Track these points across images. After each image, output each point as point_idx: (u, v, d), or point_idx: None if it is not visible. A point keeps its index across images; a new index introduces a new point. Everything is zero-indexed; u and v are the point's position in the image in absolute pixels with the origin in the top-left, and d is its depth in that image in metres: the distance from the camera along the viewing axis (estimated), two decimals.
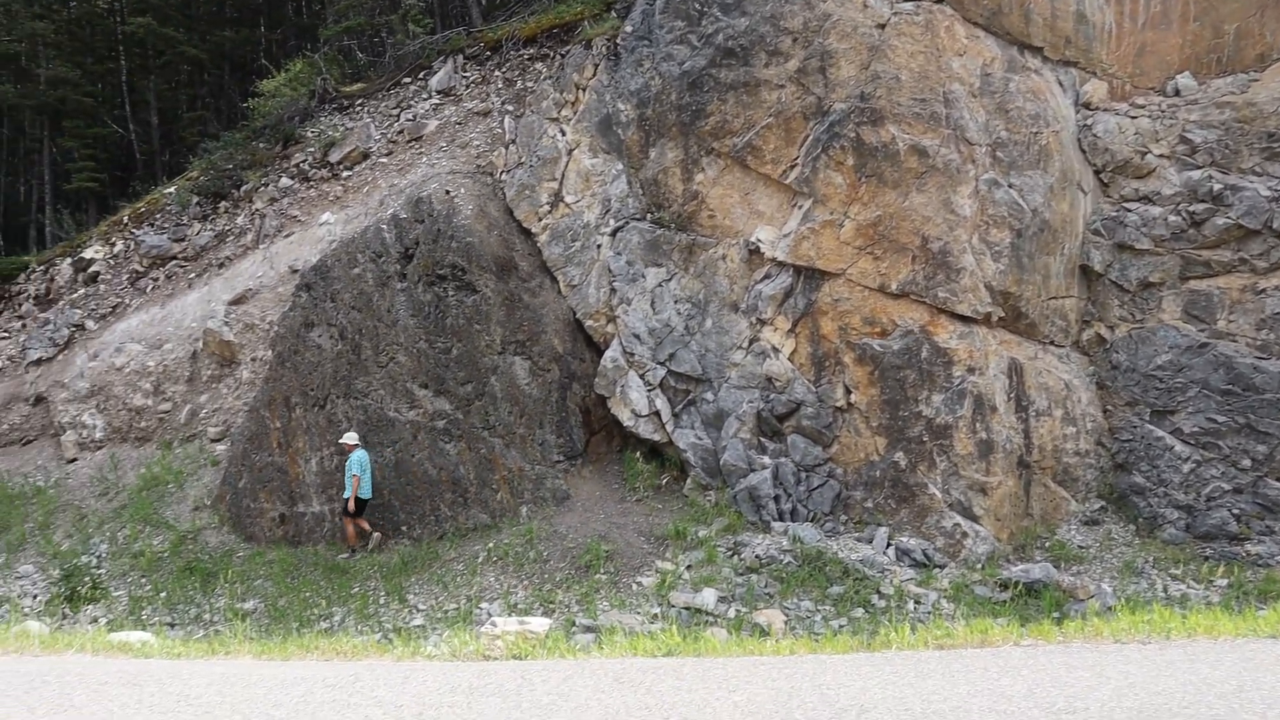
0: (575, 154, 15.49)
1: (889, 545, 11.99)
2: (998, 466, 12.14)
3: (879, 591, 11.05)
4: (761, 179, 13.73)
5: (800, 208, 13.31)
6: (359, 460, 13.03)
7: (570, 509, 12.61)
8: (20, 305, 21.76)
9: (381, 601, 11.41)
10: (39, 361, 19.36)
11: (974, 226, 12.55)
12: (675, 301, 13.95)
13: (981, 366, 12.31)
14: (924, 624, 8.89)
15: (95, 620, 12.29)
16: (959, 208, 12.51)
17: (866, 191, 12.88)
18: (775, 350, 13.29)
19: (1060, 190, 13.09)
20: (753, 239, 13.59)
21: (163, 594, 12.71)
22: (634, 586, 10.82)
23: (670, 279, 14.08)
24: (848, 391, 12.79)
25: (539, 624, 7.68)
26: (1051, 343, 13.35)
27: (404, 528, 13.04)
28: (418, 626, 10.49)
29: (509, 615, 10.57)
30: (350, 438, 13.23)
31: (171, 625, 11.75)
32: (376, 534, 13.20)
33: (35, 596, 13.45)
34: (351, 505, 12.87)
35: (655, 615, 10.23)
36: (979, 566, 11.57)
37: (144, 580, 13.21)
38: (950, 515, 11.99)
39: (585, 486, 13.18)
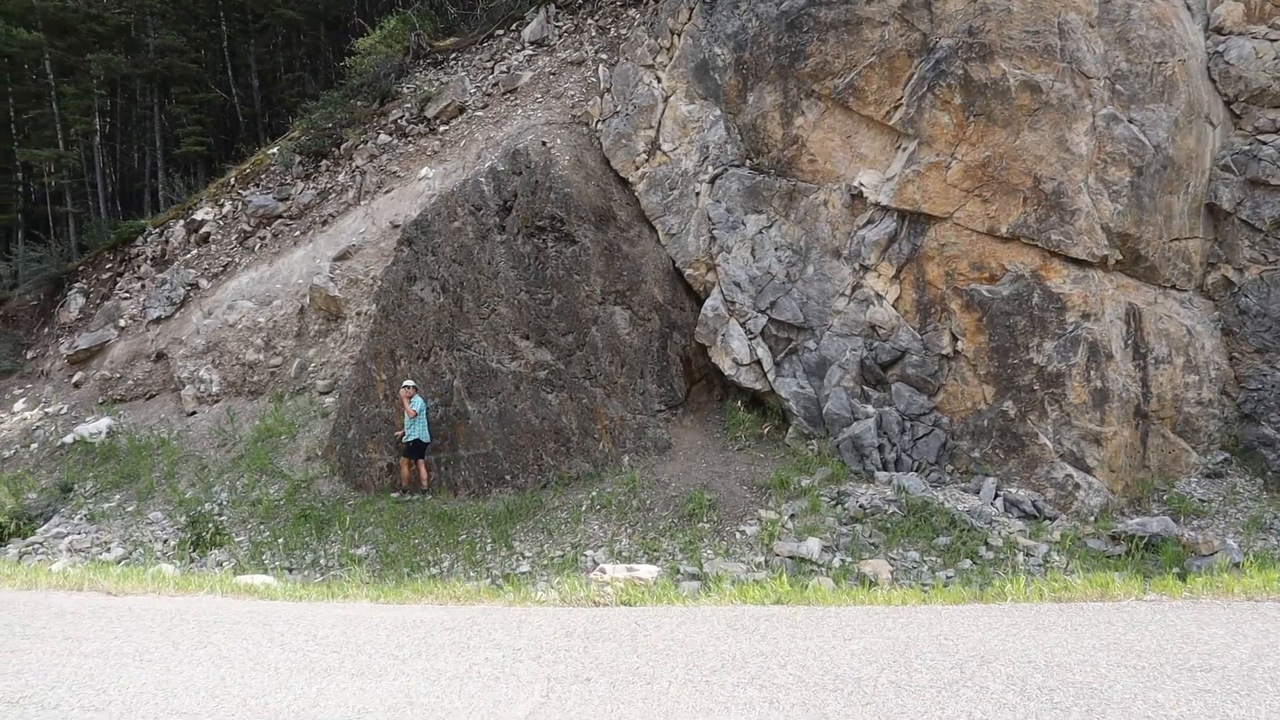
0: (671, 101, 15.39)
1: (997, 496, 11.77)
2: (1113, 416, 11.76)
3: (987, 543, 10.88)
4: (864, 121, 13.42)
5: (905, 150, 12.99)
6: (418, 405, 13.83)
7: (672, 458, 12.72)
8: (139, 267, 22.82)
9: (488, 549, 11.73)
10: (158, 320, 20.32)
11: (1090, 165, 12.05)
12: (776, 249, 13.83)
13: (1097, 312, 11.89)
14: (1036, 576, 8.75)
15: (220, 564, 12.95)
16: (1074, 146, 12.02)
17: (975, 131, 12.47)
18: (879, 297, 13.08)
19: (1186, 124, 12.46)
20: (855, 183, 13.34)
21: (280, 540, 13.30)
22: (737, 535, 10.89)
23: (770, 226, 13.95)
24: (954, 339, 12.52)
25: (647, 571, 7.82)
26: (1173, 287, 12.81)
27: (508, 477, 13.35)
28: (524, 573, 10.75)
29: (615, 563, 10.79)
30: (409, 383, 14.08)
31: (290, 569, 12.30)
32: (428, 480, 14.08)
33: (165, 541, 14.22)
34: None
35: (759, 564, 10.28)
36: (1092, 519, 11.27)
37: (262, 527, 13.84)
38: (1061, 466, 11.69)
39: (686, 436, 13.26)
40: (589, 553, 10.92)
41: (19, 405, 22.22)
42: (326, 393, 16.60)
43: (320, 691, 4.95)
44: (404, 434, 13.88)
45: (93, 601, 7.91)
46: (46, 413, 21.17)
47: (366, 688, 4.97)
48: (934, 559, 10.57)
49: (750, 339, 13.46)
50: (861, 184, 13.27)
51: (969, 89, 12.47)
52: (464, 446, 13.75)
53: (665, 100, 15.46)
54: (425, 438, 13.96)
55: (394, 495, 14.04)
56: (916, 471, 12.37)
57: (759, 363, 13.42)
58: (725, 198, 14.13)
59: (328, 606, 7.29)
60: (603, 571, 7.62)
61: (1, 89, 28.92)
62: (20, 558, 15.10)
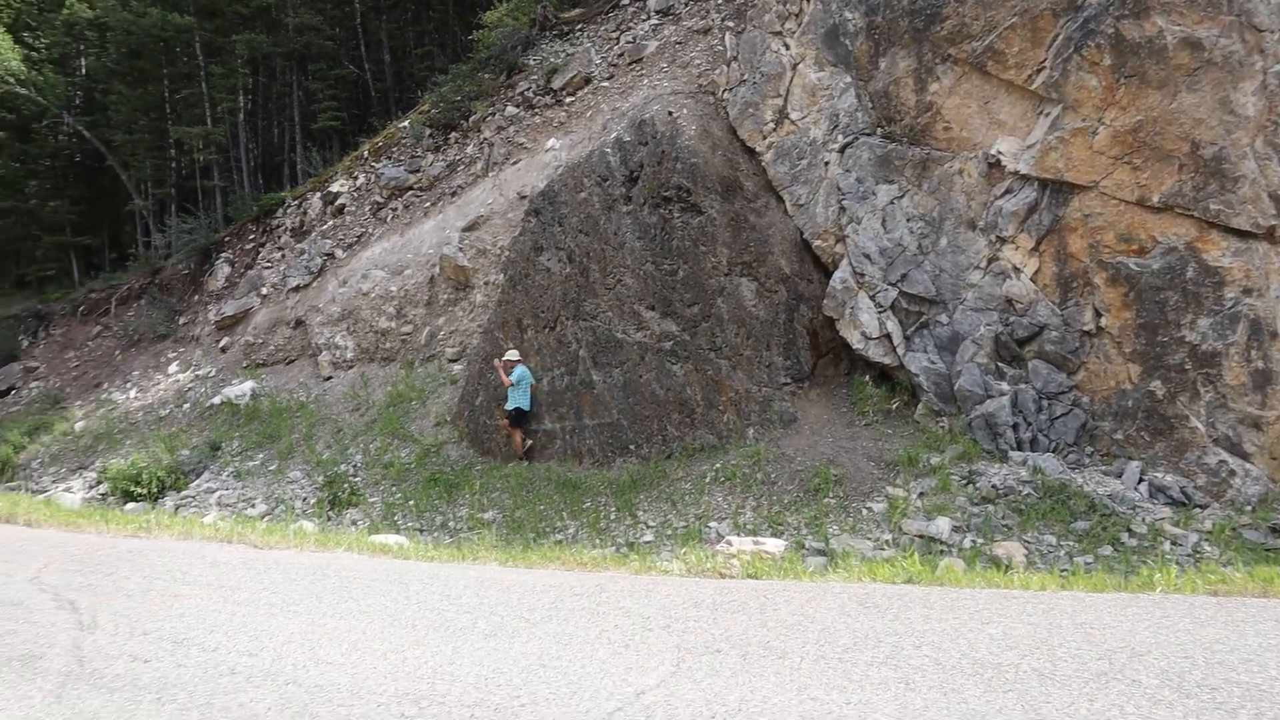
0: (800, 68, 15.10)
1: (1141, 480, 11.22)
2: (1276, 399, 11.04)
3: (1129, 529, 10.39)
4: (1003, 86, 12.87)
5: (1047, 115, 12.41)
6: (519, 374, 14.39)
7: (797, 432, 12.60)
8: (280, 237, 23.91)
9: (612, 517, 11.89)
10: (297, 288, 21.27)
11: (1258, 128, 11.26)
12: (907, 220, 13.45)
13: (1260, 287, 11.15)
14: (1187, 567, 8.33)
15: (355, 523, 13.53)
16: (1240, 107, 11.25)
17: (1125, 94, 11.81)
18: (1016, 270, 12.58)
19: None
20: (992, 151, 12.83)
21: (411, 501, 13.79)
22: (863, 512, 10.72)
23: (902, 196, 13.57)
24: (1097, 314, 11.95)
25: (773, 545, 7.79)
26: None
27: (631, 446, 13.48)
28: (648, 542, 10.86)
29: (740, 535, 10.79)
30: (512, 354, 14.74)
31: (420, 530, 12.76)
32: (522, 447, 14.58)
33: (304, 499, 14.96)
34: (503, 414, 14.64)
35: (886, 541, 10.10)
36: (1248, 509, 10.64)
37: (394, 488, 14.38)
38: (1215, 451, 11.05)
39: (812, 409, 13.11)
40: (712, 524, 10.95)
41: (173, 368, 23.67)
42: (455, 360, 17.06)
43: (455, 650, 5.09)
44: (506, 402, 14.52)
45: (242, 553, 8.40)
46: (197, 375, 22.48)
47: (500, 648, 5.09)
48: (1072, 544, 10.17)
49: (880, 312, 13.18)
50: (999, 152, 12.76)
51: (1120, 49, 11.80)
52: (589, 415, 13.94)
53: (793, 68, 15.17)
54: (525, 406, 14.45)
55: (512, 465, 14.49)
56: (1053, 452, 11.90)
57: (888, 336, 13.12)
58: (855, 167, 13.81)
59: (459, 568, 7.51)
60: (728, 544, 7.63)
61: (158, 71, 30.60)
62: (176, 509, 16.12)
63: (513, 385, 14.32)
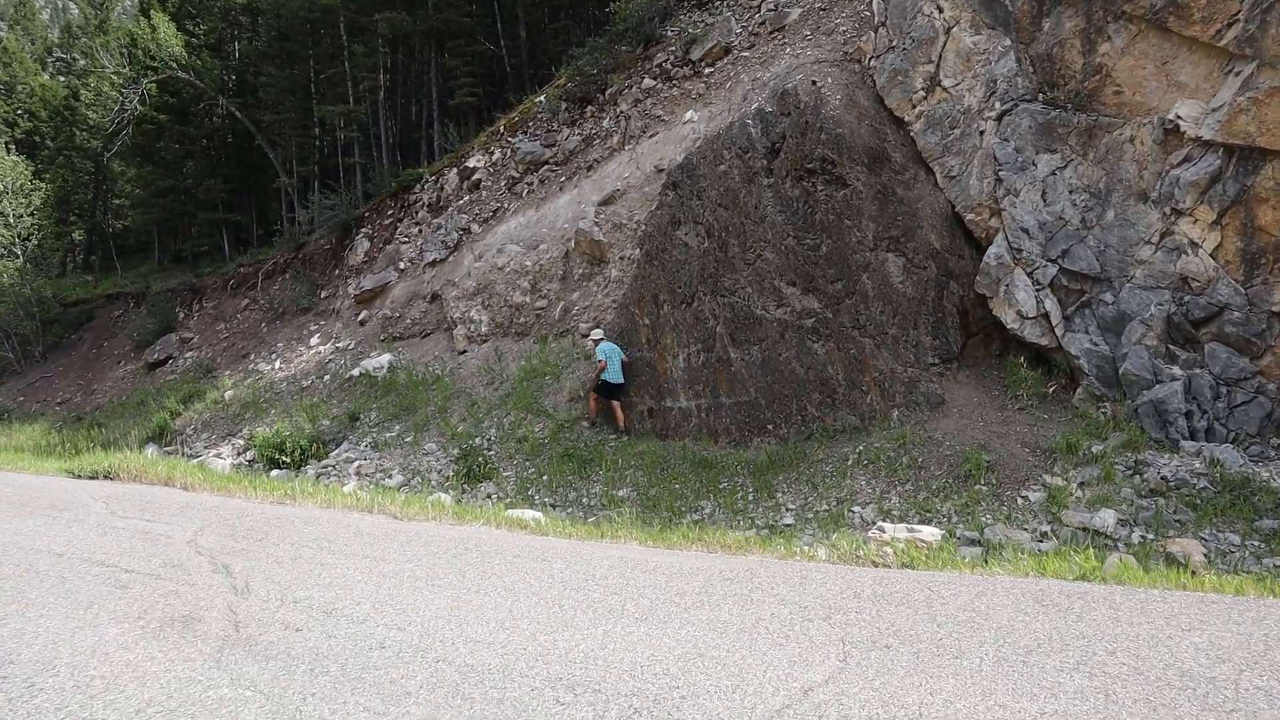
0: (954, 32, 14.40)
1: None
2: None
3: None
4: (1185, 44, 11.94)
5: (1238, 74, 11.43)
6: (603, 350, 15.04)
7: (945, 415, 12.07)
8: (417, 213, 24.48)
9: (750, 498, 11.66)
10: (434, 263, 21.72)
11: None
12: (1070, 191, 12.67)
13: None
14: None
15: (489, 496, 13.70)
16: None
17: None
18: (1193, 245, 11.68)
19: None
20: (1170, 116, 11.92)
21: (545, 476, 13.88)
22: (1018, 501, 10.16)
23: (1065, 166, 12.79)
24: None
25: (929, 533, 7.42)
26: None
27: (769, 426, 13.20)
28: (788, 525, 10.59)
29: (883, 520, 10.40)
30: (596, 333, 15.90)
31: (554, 506, 12.81)
32: (622, 420, 15.12)
33: (439, 471, 15.25)
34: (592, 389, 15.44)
35: (1044, 533, 9.55)
36: None
37: (528, 463, 14.50)
38: None
39: (960, 392, 12.54)
40: (855, 509, 10.58)
41: (314, 340, 24.59)
42: (588, 335, 17.09)
43: (606, 634, 4.95)
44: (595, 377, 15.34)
45: (383, 524, 8.53)
46: (337, 347, 23.27)
47: (652, 634, 4.92)
48: (1257, 544, 9.39)
49: (1037, 290, 12.47)
50: (1178, 116, 11.85)
51: None
52: (725, 393, 13.72)
53: (947, 32, 14.48)
54: (613, 379, 14.97)
55: (612, 438, 15.07)
56: (1232, 443, 11.03)
57: (1046, 316, 12.42)
58: (1014, 136, 13.09)
59: (599, 546, 7.40)
60: (881, 530, 7.30)
61: (304, 52, 31.80)
62: (317, 478, 16.71)
63: (604, 364, 15.02)
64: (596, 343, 15.64)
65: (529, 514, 9.97)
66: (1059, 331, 12.33)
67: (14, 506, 10.13)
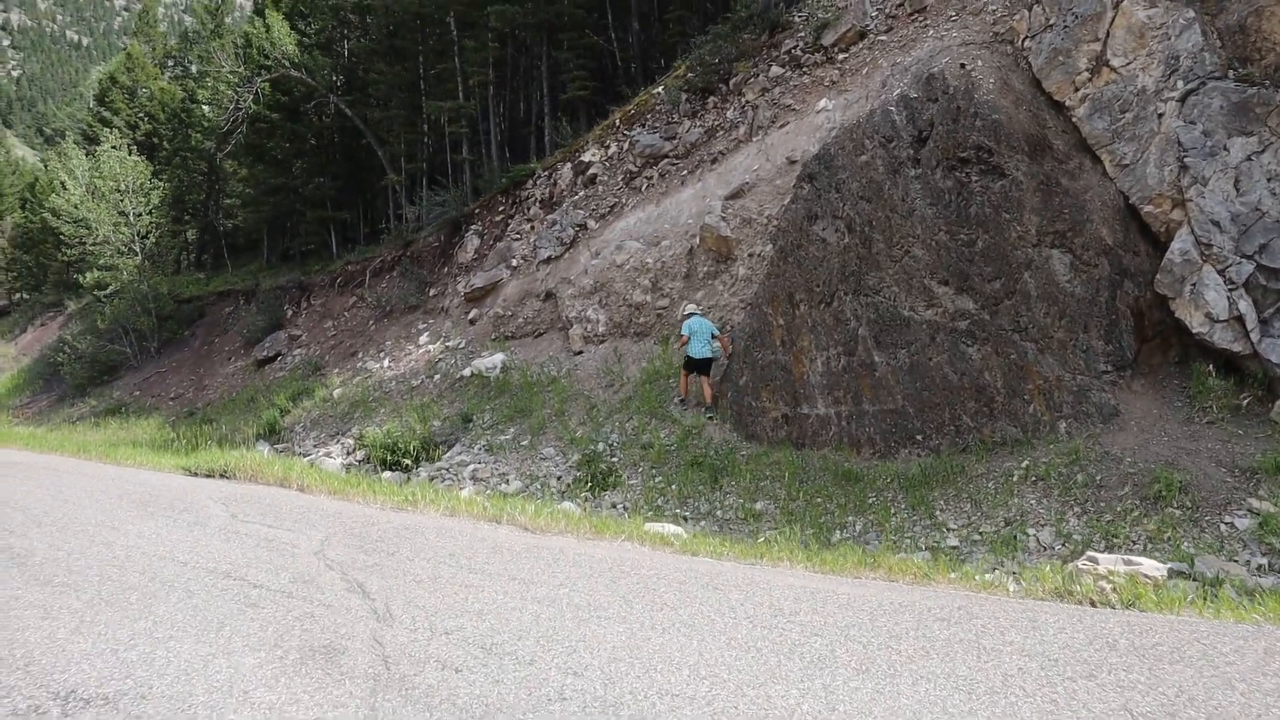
0: (1124, 6, 13.28)
1: None
2: None
3: None
4: None
5: None
6: (688, 326, 15.33)
7: (1121, 428, 11.03)
8: (529, 209, 24.20)
9: (904, 515, 10.82)
10: (548, 260, 21.36)
11: None
12: (1269, 179, 11.47)
13: None
14: None
15: (614, 505, 13.13)
16: None
17: None
18: None
19: None
20: None
21: (673, 486, 13.25)
22: (1221, 528, 9.10)
23: (1263, 150, 11.58)
24: None
25: (1152, 567, 6.51)
26: None
27: (919, 437, 12.32)
28: (952, 547, 9.73)
29: (1059, 543, 9.47)
30: (689, 307, 16.08)
31: (685, 518, 12.17)
32: (707, 403, 15.32)
33: (559, 477, 14.78)
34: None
35: (1259, 566, 8.50)
36: None
37: (654, 471, 13.90)
38: None
39: (1136, 403, 11.46)
40: (1030, 531, 9.65)
41: (423, 339, 24.54)
42: (715, 337, 16.45)
43: (828, 690, 4.22)
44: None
45: (519, 538, 7.96)
46: (447, 346, 23.14)
47: (883, 692, 4.17)
48: None
49: (1230, 289, 11.32)
50: None
51: None
52: (869, 400, 12.88)
53: (1115, 6, 13.37)
54: (696, 354, 15.21)
55: (706, 416, 15.32)
56: None
57: (1240, 319, 11.25)
58: (1202, 118, 11.94)
59: (764, 571, 6.67)
60: (1093, 561, 6.43)
61: (414, 48, 31.99)
62: (431, 480, 16.45)
63: (685, 339, 15.32)
64: (686, 317, 15.79)
65: (669, 528, 9.36)
66: (1254, 336, 11.15)
67: (136, 505, 9.99)
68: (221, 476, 13.06)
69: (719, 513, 12.13)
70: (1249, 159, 11.64)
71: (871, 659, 4.54)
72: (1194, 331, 11.52)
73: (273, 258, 42.84)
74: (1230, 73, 12.03)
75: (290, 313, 33.18)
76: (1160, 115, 12.47)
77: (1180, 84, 12.35)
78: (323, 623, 5.47)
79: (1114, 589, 5.97)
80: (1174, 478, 9.78)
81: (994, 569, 8.12)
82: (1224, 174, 11.68)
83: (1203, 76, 12.17)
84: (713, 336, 15.35)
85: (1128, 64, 13.01)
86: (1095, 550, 8.92)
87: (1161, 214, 12.16)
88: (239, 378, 31.56)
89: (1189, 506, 9.43)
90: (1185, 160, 11.89)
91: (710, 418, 15.06)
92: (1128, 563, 6.44)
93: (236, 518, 9.13)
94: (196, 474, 13.49)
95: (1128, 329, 11.96)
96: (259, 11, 39.40)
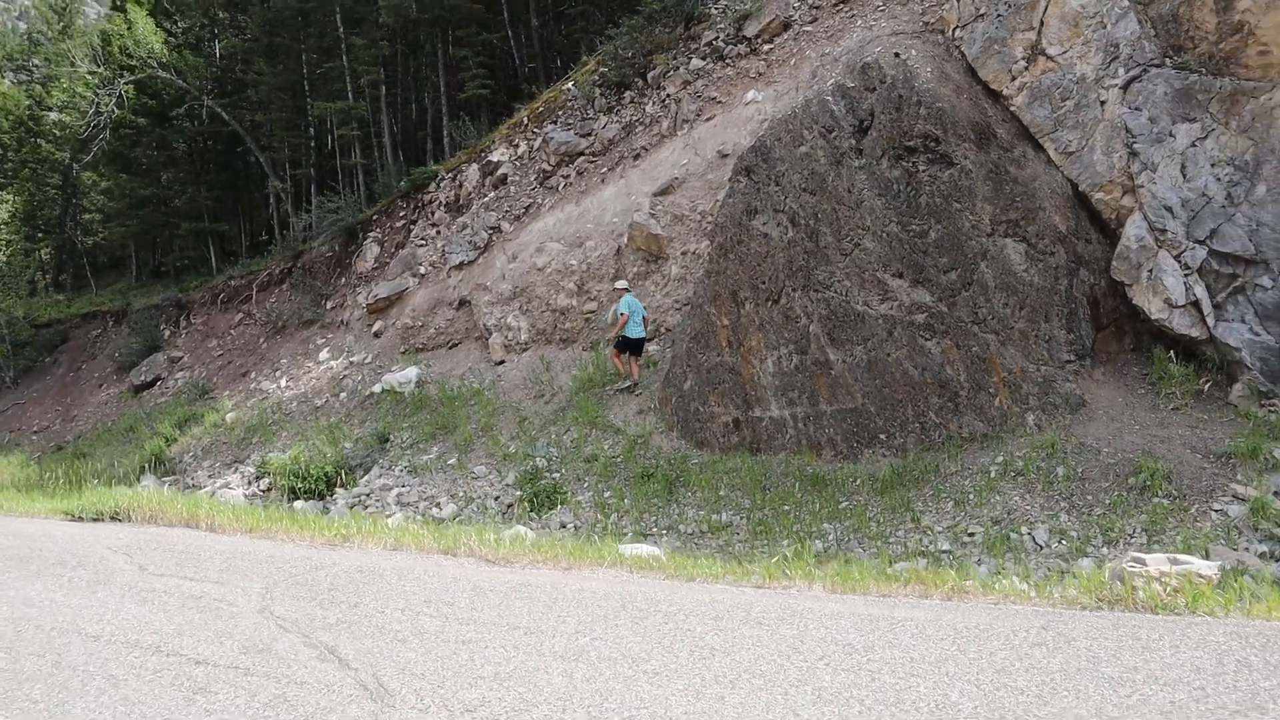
0: None
1: None
2: None
3: None
4: None
5: None
6: (626, 303, 15.21)
7: (1090, 418, 11.01)
8: (433, 213, 23.30)
9: (881, 519, 10.53)
10: (460, 266, 20.53)
11: None
12: (1212, 165, 11.67)
13: None
14: None
15: (564, 525, 12.48)
16: None
17: None
18: None
19: None
20: None
21: (625, 501, 12.69)
22: (1212, 515, 9.09)
23: (1205, 137, 11.79)
24: None
25: (1205, 566, 6.25)
26: None
27: (882, 436, 12.08)
28: (944, 551, 9.47)
29: (1055, 540, 9.32)
30: (621, 283, 15.99)
31: (644, 535, 11.63)
32: (633, 379, 15.66)
33: (497, 498, 14.03)
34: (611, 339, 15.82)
35: (1263, 554, 8.48)
36: None
37: (602, 486, 13.30)
38: None
39: (1100, 392, 11.49)
40: (1024, 530, 9.46)
41: (324, 355, 23.36)
42: (650, 339, 15.96)
43: None
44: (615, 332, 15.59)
45: (489, 573, 7.07)
46: (351, 362, 22.05)
47: None
48: None
49: (1185, 275, 11.45)
50: None
51: None
52: (826, 400, 12.60)
53: None
54: (634, 334, 15.33)
55: (619, 387, 15.80)
56: None
57: (1196, 304, 11.39)
58: (1148, 104, 12.07)
59: (796, 598, 5.90)
60: (1139, 563, 6.15)
61: (296, 46, 30.59)
62: (351, 508, 15.44)
63: (625, 318, 15.20)
64: (621, 293, 15.63)
65: (644, 549, 8.78)
66: (1210, 321, 11.30)
67: (14, 562, 8.40)
68: (113, 519, 11.42)
69: (681, 527, 11.63)
70: (1193, 145, 11.82)
71: (998, 704, 3.92)
72: (1153, 318, 11.60)
73: (143, 275, 40.41)
74: (1166, 60, 12.23)
75: (168, 333, 31.26)
76: (1103, 103, 12.57)
77: (1122, 71, 12.48)
78: (301, 710, 4.41)
79: (1172, 591, 5.69)
80: (1156, 467, 9.76)
81: (1024, 577, 7.81)
82: (1171, 160, 11.82)
83: (1144, 64, 12.32)
84: (643, 318, 15.53)
85: (1064, 52, 13.11)
86: (1095, 544, 8.79)
87: (1112, 201, 12.25)
88: (114, 405, 29.53)
89: (1175, 495, 9.41)
90: (1134, 146, 12.00)
91: (637, 392, 15.54)
92: (1175, 562, 6.19)
93: (147, 570, 7.83)
94: (82, 519, 11.79)
95: (1084, 318, 11.99)
96: (118, 7, 36.96)
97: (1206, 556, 8.00)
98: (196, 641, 5.62)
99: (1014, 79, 13.48)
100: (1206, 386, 11.29)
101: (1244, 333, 11.10)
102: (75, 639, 5.83)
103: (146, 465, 22.34)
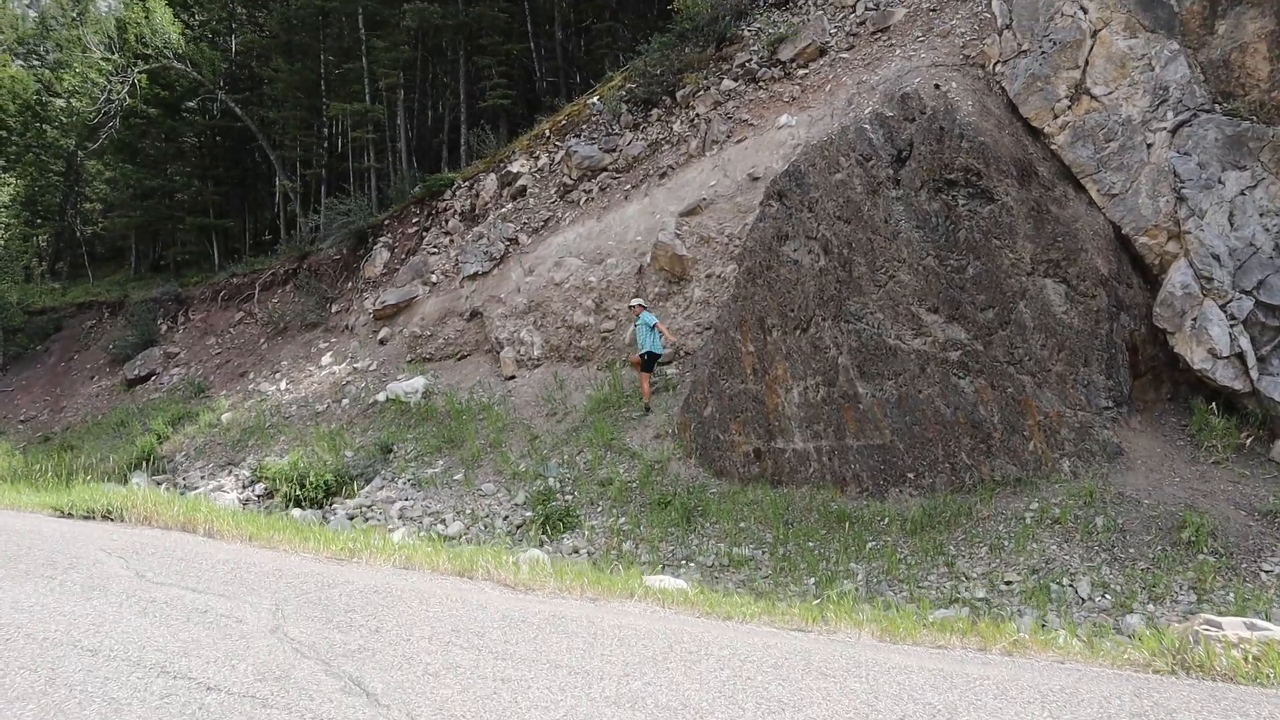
0: (1103, 35, 13.32)
1: None
2: None
3: None
4: None
5: None
6: (650, 318, 15.26)
7: (1128, 467, 10.81)
8: (447, 222, 23.11)
9: (911, 562, 10.29)
10: (474, 276, 20.34)
11: None
12: (1261, 215, 11.56)
13: None
14: None
15: (576, 551, 12.23)
16: None
17: None
18: None
19: None
20: None
21: (640, 528, 12.44)
22: (1261, 576, 8.88)
23: (1255, 185, 11.68)
24: None
25: None
26: None
27: (910, 475, 11.87)
28: (980, 599, 9.23)
29: (1098, 594, 9.10)
30: (636, 301, 15.81)
31: (664, 566, 11.37)
32: (645, 400, 15.59)
33: (505, 517, 13.76)
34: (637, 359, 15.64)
35: None
36: None
37: (616, 511, 13.04)
38: None
39: (1138, 441, 11.30)
40: (1065, 581, 9.22)
41: (326, 359, 23.11)
42: (668, 363, 15.76)
43: None
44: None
45: (515, 601, 6.69)
46: (355, 368, 21.80)
47: None
48: None
49: (1231, 325, 11.30)
50: None
51: None
52: (853, 435, 12.39)
53: (1094, 34, 13.41)
54: (657, 349, 15.32)
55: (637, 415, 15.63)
56: None
57: (1240, 356, 11.24)
58: (1197, 150, 11.96)
59: (832, 643, 5.79)
60: (1214, 626, 5.91)
61: (315, 46, 30.49)
62: (351, 520, 15.16)
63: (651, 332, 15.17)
64: (639, 310, 15.47)
65: (670, 581, 8.53)
66: (1254, 374, 11.15)
67: (1, 561, 7.89)
68: (105, 518, 10.92)
69: (699, 559, 11.38)
70: (1242, 193, 11.70)
71: None
72: (1195, 367, 11.44)
73: (142, 268, 40.15)
74: (1216, 106, 12.14)
75: (165, 328, 30.98)
76: (1149, 145, 12.46)
77: (1170, 115, 12.38)
78: None
79: (1253, 659, 5.43)
80: (1201, 522, 9.56)
81: (1072, 631, 7.56)
82: (1220, 207, 11.70)
83: (1194, 108, 12.23)
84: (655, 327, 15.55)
85: (1110, 93, 13.02)
86: (1140, 601, 8.57)
87: (1157, 245, 12.12)
88: (105, 398, 29.21)
89: (1221, 553, 9.20)
90: (1183, 192, 11.87)
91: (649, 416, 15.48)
92: (1252, 627, 5.96)
93: (145, 578, 7.38)
94: (72, 515, 11.23)
95: (1123, 363, 11.83)
96: None
97: (1266, 618, 7.78)
98: (206, 663, 5.19)
99: (1056, 117, 13.38)
100: (1249, 441, 11.12)
101: None
102: (71, 653, 5.38)
103: (137, 462, 22.03)
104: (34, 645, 5.51)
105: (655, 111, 19.71)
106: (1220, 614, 7.98)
